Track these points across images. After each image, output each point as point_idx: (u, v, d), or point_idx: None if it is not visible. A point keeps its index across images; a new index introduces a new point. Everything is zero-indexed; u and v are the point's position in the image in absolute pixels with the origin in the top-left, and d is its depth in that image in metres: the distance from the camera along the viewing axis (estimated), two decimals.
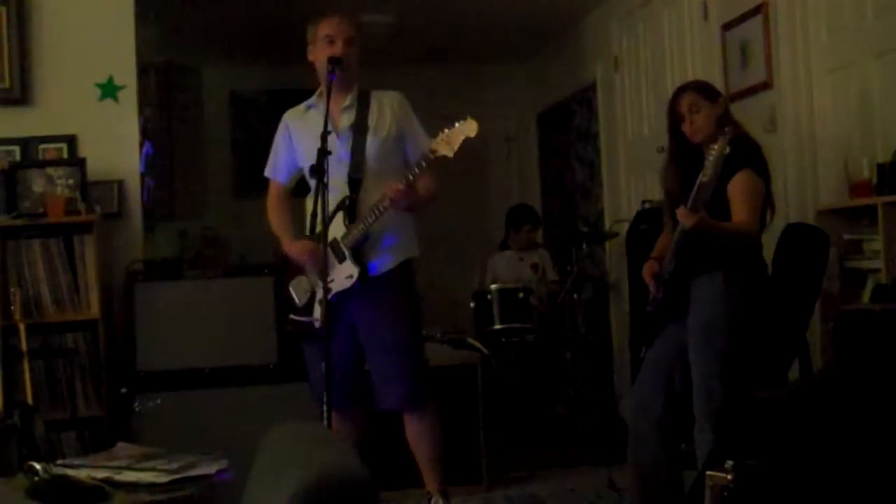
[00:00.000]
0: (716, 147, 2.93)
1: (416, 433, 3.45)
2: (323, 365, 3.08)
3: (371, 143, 3.39)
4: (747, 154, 3.15)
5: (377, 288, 3.36)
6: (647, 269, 3.35)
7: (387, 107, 3.46)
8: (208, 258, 6.11)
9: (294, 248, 3.41)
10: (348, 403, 3.40)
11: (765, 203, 3.24)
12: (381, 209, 3.25)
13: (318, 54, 3.40)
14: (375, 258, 3.37)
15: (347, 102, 3.43)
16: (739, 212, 3.12)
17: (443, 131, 3.21)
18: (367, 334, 3.39)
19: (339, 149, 3.36)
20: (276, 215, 3.58)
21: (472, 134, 3.16)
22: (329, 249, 3.26)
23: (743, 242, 3.15)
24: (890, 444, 2.19)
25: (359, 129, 3.39)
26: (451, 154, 3.18)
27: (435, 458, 3.47)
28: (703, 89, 3.33)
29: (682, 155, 3.31)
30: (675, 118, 3.32)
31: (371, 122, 3.41)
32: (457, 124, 3.20)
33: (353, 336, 3.40)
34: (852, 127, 3.83)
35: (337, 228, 3.33)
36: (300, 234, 3.49)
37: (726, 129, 3.02)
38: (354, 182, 3.36)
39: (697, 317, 3.20)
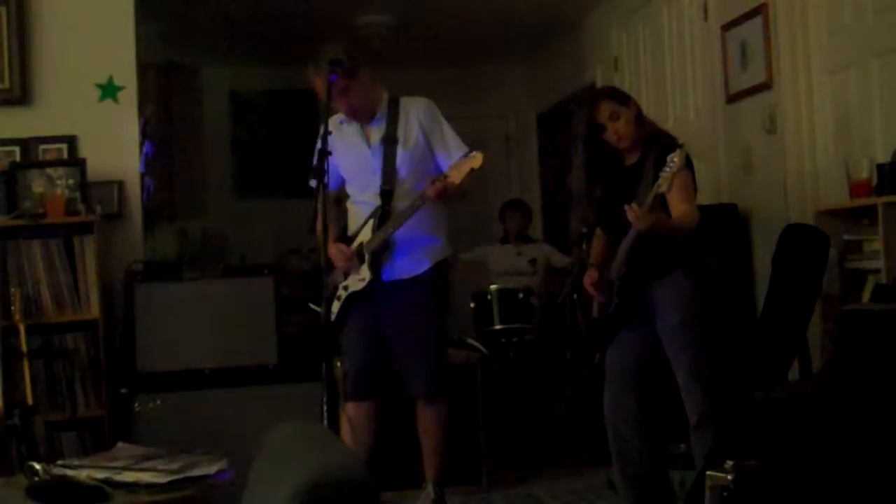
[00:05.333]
0: (675, 159, 2.94)
1: (428, 423, 3.66)
2: (353, 357, 3.41)
3: (401, 156, 3.54)
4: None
5: (412, 288, 3.55)
6: (588, 279, 3.35)
7: (413, 117, 3.58)
8: (208, 258, 6.11)
9: (330, 249, 3.53)
10: (364, 395, 3.60)
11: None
12: (409, 213, 3.43)
13: (318, 84, 3.43)
14: (409, 262, 3.55)
15: (377, 116, 3.57)
16: (680, 203, 3.11)
17: (459, 159, 3.43)
18: (395, 329, 3.58)
19: (373, 162, 3.55)
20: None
21: (476, 166, 3.37)
22: (355, 252, 3.56)
23: (690, 232, 3.14)
24: (890, 443, 2.19)
25: (389, 142, 3.55)
26: (457, 181, 3.38)
27: (438, 449, 3.69)
28: (616, 96, 3.33)
29: (602, 162, 3.32)
30: (594, 128, 3.29)
31: (400, 134, 3.55)
32: (473, 153, 3.41)
33: (374, 331, 3.57)
34: (852, 127, 3.83)
35: (364, 235, 3.55)
36: (343, 236, 3.67)
37: (680, 143, 3.03)
38: (385, 193, 3.52)
39: (667, 320, 3.18)
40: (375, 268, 3.51)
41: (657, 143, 3.11)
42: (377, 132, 3.56)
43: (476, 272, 6.21)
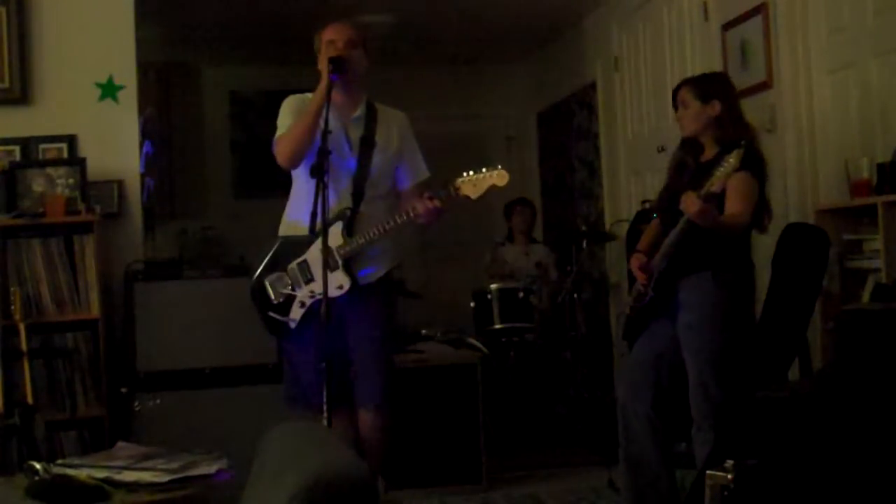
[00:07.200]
0: (731, 160, 2.94)
1: (375, 433, 3.44)
2: (319, 365, 3.14)
3: (377, 159, 3.44)
4: (747, 158, 3.14)
5: (366, 295, 3.41)
6: (636, 261, 3.36)
7: (394, 125, 3.51)
8: (208, 258, 6.10)
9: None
10: (343, 401, 3.42)
11: (760, 206, 3.24)
12: (393, 224, 3.29)
13: (322, 59, 3.41)
14: (367, 266, 3.43)
15: (357, 113, 3.46)
16: (735, 204, 3.13)
17: (468, 173, 3.26)
18: (355, 335, 3.43)
19: (349, 158, 3.42)
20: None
21: (501, 184, 3.24)
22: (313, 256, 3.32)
23: (732, 233, 3.16)
24: (890, 443, 2.19)
25: (367, 143, 3.44)
26: (474, 197, 3.25)
27: (384, 455, 3.48)
28: (698, 87, 3.35)
29: (689, 143, 3.37)
30: (675, 107, 3.39)
31: (379, 138, 3.46)
32: (484, 170, 3.25)
33: (337, 338, 3.39)
34: (852, 127, 3.83)
35: (333, 238, 3.33)
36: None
37: (742, 142, 3.01)
38: (358, 194, 3.40)
39: (689, 317, 3.20)
40: (352, 274, 3.35)
41: (734, 144, 3.06)
42: (355, 131, 3.44)
43: (475, 272, 6.22)
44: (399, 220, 3.31)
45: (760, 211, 3.25)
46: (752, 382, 3.36)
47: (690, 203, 3.01)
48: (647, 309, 3.30)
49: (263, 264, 3.50)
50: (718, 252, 3.18)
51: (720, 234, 3.14)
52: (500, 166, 3.26)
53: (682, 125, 3.35)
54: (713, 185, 2.97)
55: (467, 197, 3.25)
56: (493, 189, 3.25)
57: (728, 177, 2.96)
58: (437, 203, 3.25)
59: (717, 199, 3.08)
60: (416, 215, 3.28)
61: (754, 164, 3.20)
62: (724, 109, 3.28)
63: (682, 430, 3.32)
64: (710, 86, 3.36)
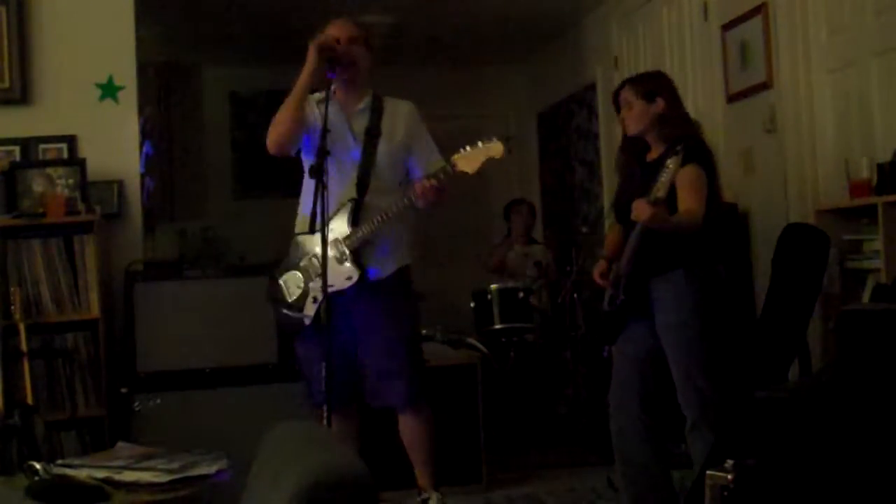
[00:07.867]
0: (671, 165, 2.94)
1: (414, 432, 3.49)
2: (321, 363, 3.13)
3: (383, 149, 3.42)
4: (690, 152, 3.12)
5: (379, 292, 3.39)
6: (598, 269, 3.36)
7: (400, 115, 3.49)
8: (208, 258, 6.11)
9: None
10: (344, 403, 3.42)
11: (711, 196, 3.21)
12: (396, 210, 3.29)
13: (313, 46, 3.38)
14: (376, 264, 3.41)
15: (361, 106, 3.46)
16: (686, 200, 3.12)
17: (464, 148, 3.24)
18: (368, 336, 3.43)
19: (353, 149, 3.41)
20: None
21: (497, 156, 3.22)
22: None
23: (690, 230, 3.14)
24: (890, 443, 2.19)
25: (372, 134, 3.43)
26: (471, 171, 3.22)
27: (430, 456, 3.52)
28: (641, 86, 3.33)
29: (631, 143, 3.36)
30: (618, 108, 3.38)
31: (385, 127, 3.44)
32: (480, 143, 3.23)
33: (348, 337, 3.41)
34: (852, 127, 3.83)
35: (339, 229, 3.34)
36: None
37: (678, 147, 3.00)
38: (362, 185, 3.39)
39: (666, 318, 3.19)
40: (360, 265, 3.33)
41: (680, 141, 3.07)
42: (359, 122, 3.43)
43: (475, 272, 6.23)
44: (400, 205, 3.30)
45: (711, 203, 3.20)
46: (751, 382, 3.36)
47: (641, 211, 3.01)
48: (622, 310, 3.29)
49: (281, 263, 3.51)
50: (686, 249, 3.16)
51: (678, 233, 3.14)
52: (494, 137, 3.22)
53: (627, 125, 3.33)
54: (659, 191, 2.98)
55: (465, 173, 3.22)
56: (490, 161, 3.21)
57: (671, 181, 2.97)
58: (433, 182, 3.24)
59: (668, 201, 3.07)
60: (416, 197, 3.27)
61: (700, 156, 3.18)
62: (667, 107, 3.27)
63: (679, 431, 3.31)
64: (652, 84, 3.35)
